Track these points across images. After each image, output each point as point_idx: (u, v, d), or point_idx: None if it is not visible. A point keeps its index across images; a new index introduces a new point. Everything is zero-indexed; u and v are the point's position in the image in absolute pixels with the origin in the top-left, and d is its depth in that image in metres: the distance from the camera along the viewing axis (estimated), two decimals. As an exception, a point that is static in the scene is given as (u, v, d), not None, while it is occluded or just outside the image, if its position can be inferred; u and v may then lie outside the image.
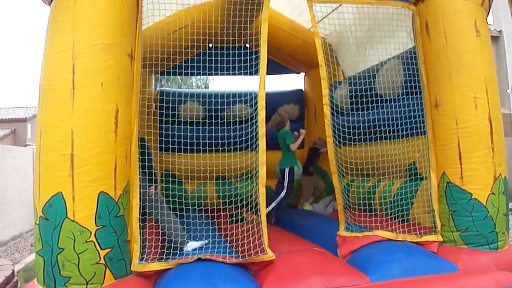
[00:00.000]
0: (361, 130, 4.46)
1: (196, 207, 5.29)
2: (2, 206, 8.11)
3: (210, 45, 4.73)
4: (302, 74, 6.90)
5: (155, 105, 5.50)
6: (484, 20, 3.81)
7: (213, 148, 5.16)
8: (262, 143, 3.37)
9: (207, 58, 3.82)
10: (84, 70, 2.92)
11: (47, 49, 3.08)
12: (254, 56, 3.65)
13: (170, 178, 4.04)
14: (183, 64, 4.21)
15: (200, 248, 3.49)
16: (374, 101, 4.26)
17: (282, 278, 2.99)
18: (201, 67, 3.94)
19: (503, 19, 15.46)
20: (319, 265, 3.16)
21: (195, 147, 4.51)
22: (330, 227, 4.01)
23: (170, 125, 4.42)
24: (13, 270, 4.39)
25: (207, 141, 4.95)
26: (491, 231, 3.47)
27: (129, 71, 3.16)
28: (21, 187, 9.10)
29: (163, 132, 4.61)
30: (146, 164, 3.37)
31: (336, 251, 3.67)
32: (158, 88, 6.21)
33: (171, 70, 4.84)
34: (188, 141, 4.43)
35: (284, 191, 5.01)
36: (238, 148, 3.95)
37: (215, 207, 4.91)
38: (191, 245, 3.51)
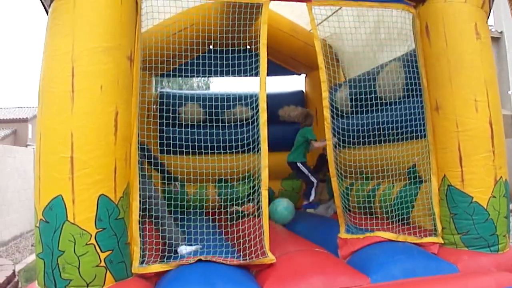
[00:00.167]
0: (361, 133, 4.44)
1: (197, 209, 5.29)
2: (3, 206, 8.12)
3: (211, 47, 4.73)
4: (303, 75, 6.90)
5: (155, 107, 5.51)
6: (484, 23, 3.81)
7: (215, 150, 5.16)
8: (264, 146, 3.37)
9: (207, 61, 3.81)
10: (84, 73, 2.92)
11: (46, 51, 3.07)
12: (254, 59, 3.65)
13: (172, 181, 4.05)
14: (183, 67, 4.21)
15: (195, 252, 3.46)
16: (375, 103, 4.26)
17: (283, 279, 3.00)
18: (201, 69, 3.93)
19: (504, 20, 15.44)
20: (320, 266, 3.17)
21: (196, 150, 4.50)
22: (331, 228, 4.01)
23: (171, 128, 4.42)
24: (14, 270, 4.40)
25: (208, 144, 4.96)
26: (492, 234, 3.47)
27: (129, 73, 3.16)
28: (22, 187, 9.11)
29: (164, 134, 4.60)
30: (159, 167, 3.50)
31: (336, 252, 3.67)
32: (158, 89, 6.20)
33: (171, 72, 4.85)
34: (190, 144, 4.42)
35: (315, 181, 5.12)
36: (240, 151, 3.95)
37: (216, 210, 4.91)
38: (185, 248, 3.48)
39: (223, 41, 3.79)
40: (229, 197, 4.99)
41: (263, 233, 3.29)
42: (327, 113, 3.77)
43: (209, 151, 5.21)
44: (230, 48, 3.86)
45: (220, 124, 5.04)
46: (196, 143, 5.41)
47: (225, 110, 5.50)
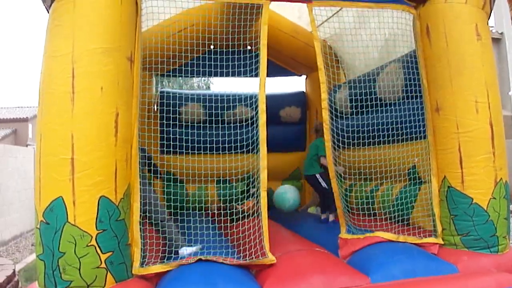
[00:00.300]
0: (361, 134, 4.44)
1: (197, 208, 5.29)
2: (3, 205, 8.12)
3: (211, 47, 4.73)
4: (304, 76, 6.89)
5: (156, 108, 5.50)
6: (485, 24, 3.80)
7: (214, 150, 5.16)
8: (263, 147, 3.37)
9: (207, 62, 3.81)
10: (84, 74, 2.92)
11: (46, 52, 3.07)
12: (254, 60, 3.65)
13: (172, 181, 4.06)
14: (183, 67, 4.21)
15: (195, 252, 3.47)
16: (375, 104, 4.26)
17: (283, 278, 3.01)
18: (201, 70, 3.93)
19: (504, 21, 15.40)
20: (320, 266, 3.18)
21: (196, 150, 4.50)
22: (332, 229, 4.01)
23: (171, 128, 4.42)
24: (14, 270, 4.39)
25: (208, 144, 4.95)
26: (492, 235, 3.48)
27: (129, 74, 3.16)
28: (22, 186, 9.11)
29: (164, 134, 4.60)
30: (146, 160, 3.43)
31: (337, 252, 3.68)
32: (159, 89, 6.19)
33: (171, 72, 4.84)
34: (190, 144, 4.43)
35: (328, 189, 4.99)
36: (239, 151, 3.94)
37: (215, 210, 4.92)
38: (186, 249, 3.50)
39: (223, 42, 3.79)
40: (228, 196, 4.97)
41: (263, 233, 3.30)
42: (326, 115, 3.77)
43: (208, 152, 5.20)
44: (230, 49, 3.86)
45: (220, 125, 5.03)
46: (196, 144, 5.41)
47: (225, 112, 5.50)
